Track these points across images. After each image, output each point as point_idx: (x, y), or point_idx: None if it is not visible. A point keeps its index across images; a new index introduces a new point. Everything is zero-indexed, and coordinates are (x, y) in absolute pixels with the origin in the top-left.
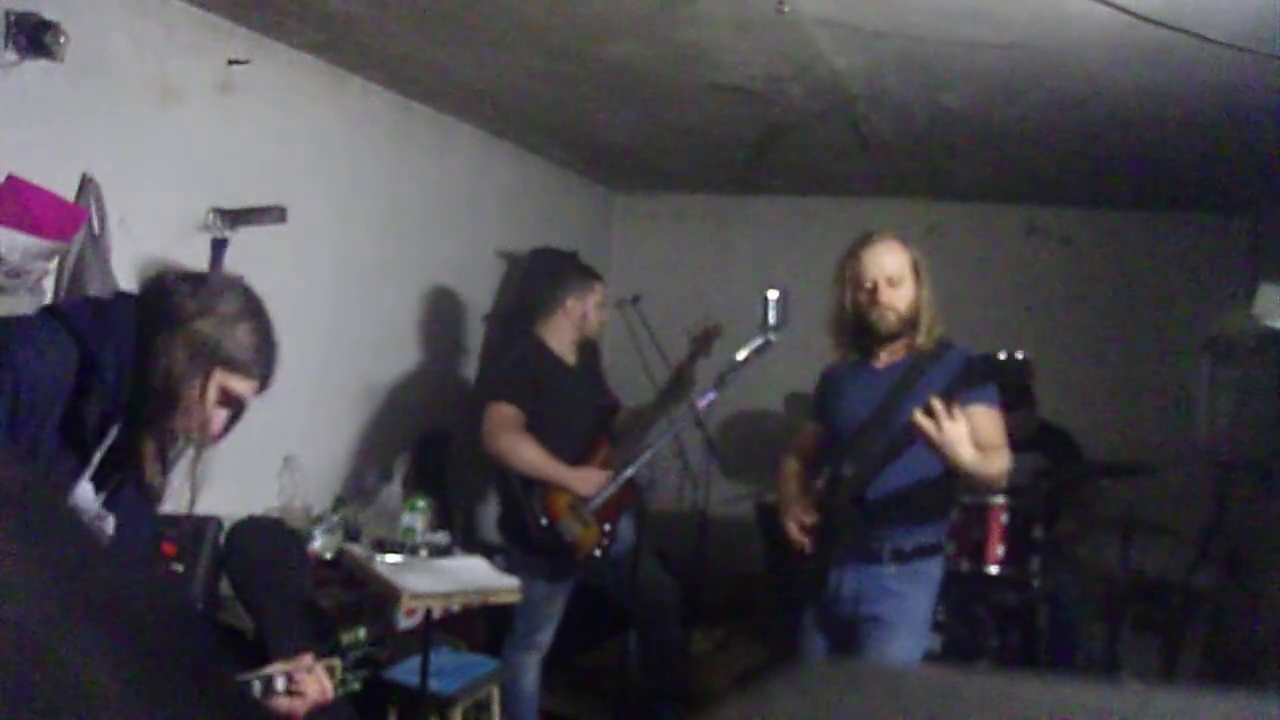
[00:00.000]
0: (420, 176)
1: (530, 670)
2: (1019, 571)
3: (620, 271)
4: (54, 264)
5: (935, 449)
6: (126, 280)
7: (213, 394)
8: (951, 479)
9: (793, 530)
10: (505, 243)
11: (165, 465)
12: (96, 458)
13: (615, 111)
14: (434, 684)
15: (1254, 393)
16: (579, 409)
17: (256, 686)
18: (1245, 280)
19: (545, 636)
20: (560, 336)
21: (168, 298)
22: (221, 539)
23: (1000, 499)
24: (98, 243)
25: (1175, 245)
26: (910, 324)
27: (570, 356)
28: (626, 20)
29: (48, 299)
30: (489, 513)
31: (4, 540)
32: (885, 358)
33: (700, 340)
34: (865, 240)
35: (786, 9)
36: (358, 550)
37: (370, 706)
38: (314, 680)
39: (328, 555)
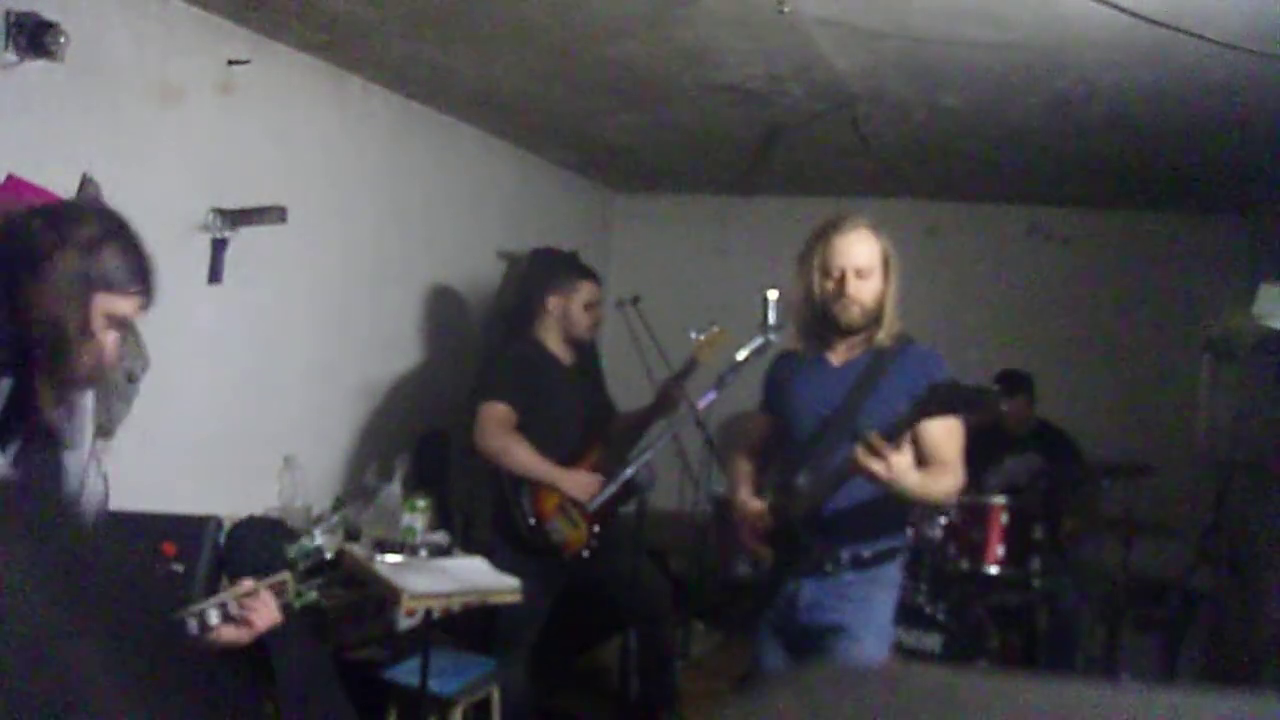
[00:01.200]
0: (420, 177)
1: (519, 668)
2: (1019, 571)
3: (620, 271)
4: None
5: (879, 485)
6: None
7: (98, 321)
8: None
9: (747, 539)
10: (505, 243)
11: (69, 407)
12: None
13: (615, 111)
14: (434, 684)
15: (1254, 393)
16: (573, 409)
17: (192, 625)
18: (1245, 280)
19: (531, 634)
20: (553, 336)
21: (23, 238)
22: (221, 539)
23: (1000, 499)
24: None
25: (1175, 245)
26: (874, 319)
27: (566, 356)
28: (626, 20)
29: None
30: (489, 513)
31: (4, 540)
32: (843, 352)
33: (689, 364)
34: (836, 225)
35: (786, 9)
36: (358, 550)
37: (370, 706)
38: (258, 604)
39: (328, 555)
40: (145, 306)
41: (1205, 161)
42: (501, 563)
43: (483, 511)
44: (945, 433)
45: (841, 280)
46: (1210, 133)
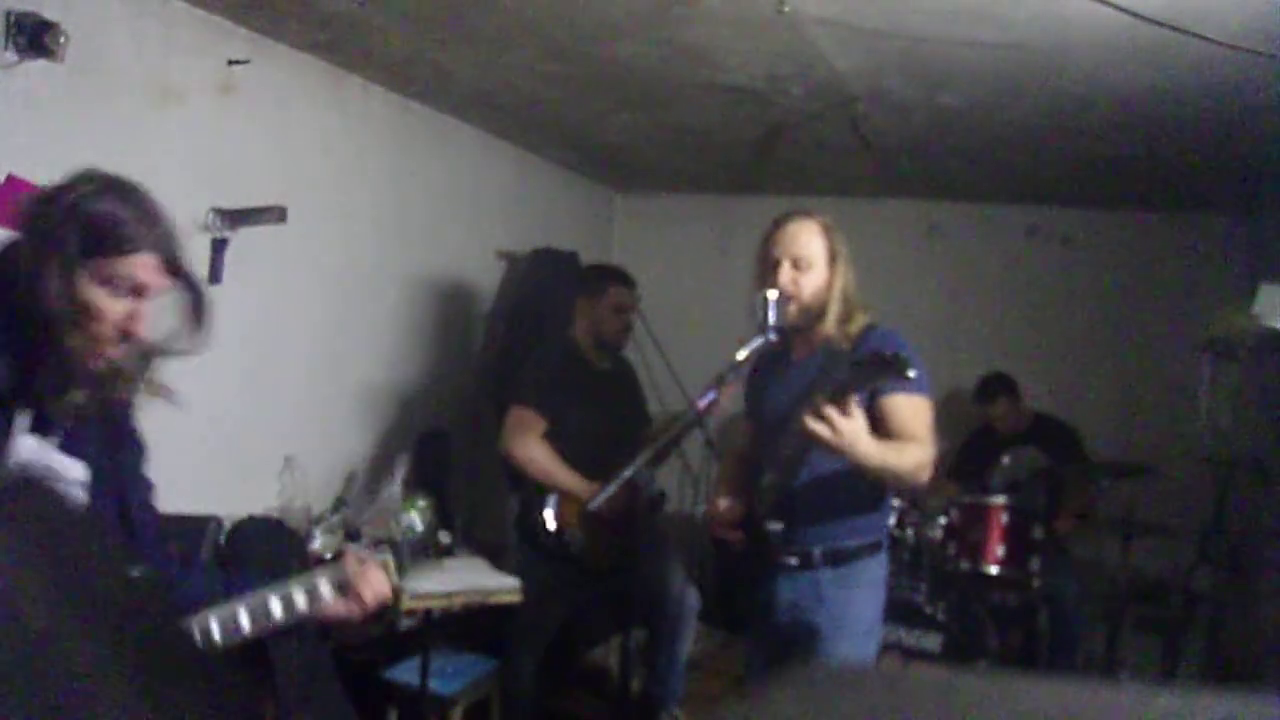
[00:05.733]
0: (420, 176)
1: (527, 669)
2: (1019, 571)
3: None
4: None
5: (833, 452)
6: None
7: (85, 284)
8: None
9: (719, 530)
10: (505, 243)
11: (95, 384)
12: (22, 409)
13: (615, 111)
14: (434, 684)
15: (1254, 393)
16: (602, 414)
17: (300, 599)
18: (1245, 280)
19: (544, 636)
20: (585, 340)
21: (31, 217)
22: (222, 539)
23: (1000, 499)
24: None
25: (1175, 245)
26: (815, 314)
27: (599, 360)
28: (627, 20)
29: None
30: (489, 513)
31: (5, 540)
32: (802, 349)
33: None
34: (781, 218)
35: (786, 9)
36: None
37: (370, 706)
38: (370, 579)
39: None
40: (166, 271)
41: (1205, 161)
42: (522, 562)
43: (482, 511)
44: (911, 408)
45: (776, 271)
46: (1210, 133)
